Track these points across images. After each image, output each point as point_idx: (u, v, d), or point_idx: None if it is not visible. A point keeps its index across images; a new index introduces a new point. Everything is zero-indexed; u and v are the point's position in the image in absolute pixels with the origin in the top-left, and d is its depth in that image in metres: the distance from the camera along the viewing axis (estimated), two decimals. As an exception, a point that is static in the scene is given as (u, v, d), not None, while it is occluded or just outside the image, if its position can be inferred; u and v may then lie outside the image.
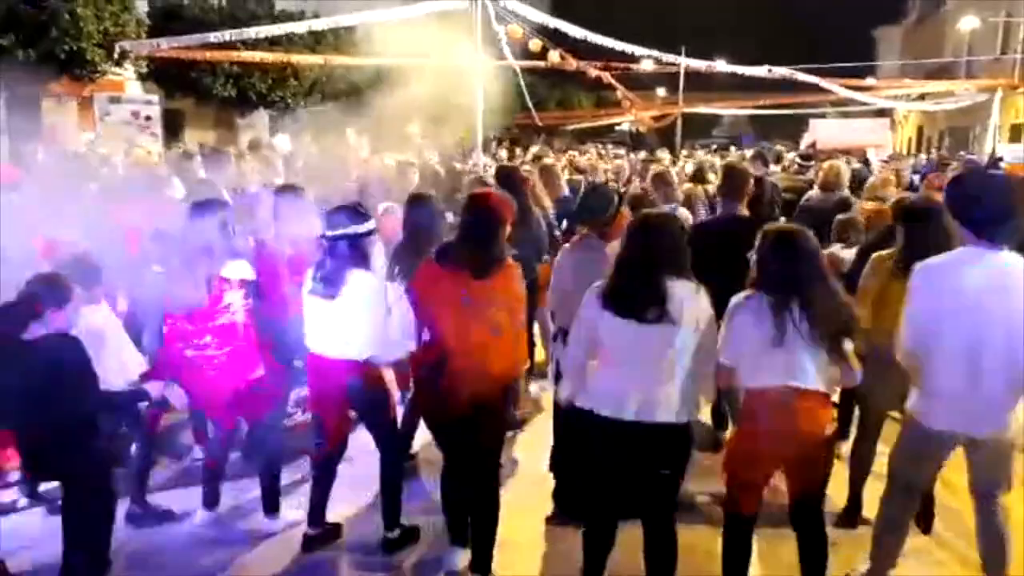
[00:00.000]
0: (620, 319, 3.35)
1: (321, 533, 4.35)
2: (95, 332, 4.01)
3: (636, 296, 3.34)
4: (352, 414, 4.39)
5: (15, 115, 15.15)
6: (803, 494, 3.59)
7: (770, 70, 19.05)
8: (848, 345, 3.37)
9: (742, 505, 3.62)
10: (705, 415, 5.29)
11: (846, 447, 4.82)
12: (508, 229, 3.88)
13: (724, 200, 5.44)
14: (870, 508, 4.26)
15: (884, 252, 4.28)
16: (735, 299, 3.47)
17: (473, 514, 4.01)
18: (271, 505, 4.54)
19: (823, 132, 25.07)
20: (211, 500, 4.59)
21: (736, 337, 3.42)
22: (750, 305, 3.39)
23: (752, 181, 5.55)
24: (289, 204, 5.05)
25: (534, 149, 18.54)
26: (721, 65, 22.54)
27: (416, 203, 4.96)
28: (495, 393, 3.83)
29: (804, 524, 3.62)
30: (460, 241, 3.83)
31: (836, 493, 4.38)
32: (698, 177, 8.65)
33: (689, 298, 3.33)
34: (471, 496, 3.98)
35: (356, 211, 4.10)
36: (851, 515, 4.53)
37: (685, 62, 22.29)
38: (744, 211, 5.23)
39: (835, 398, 3.68)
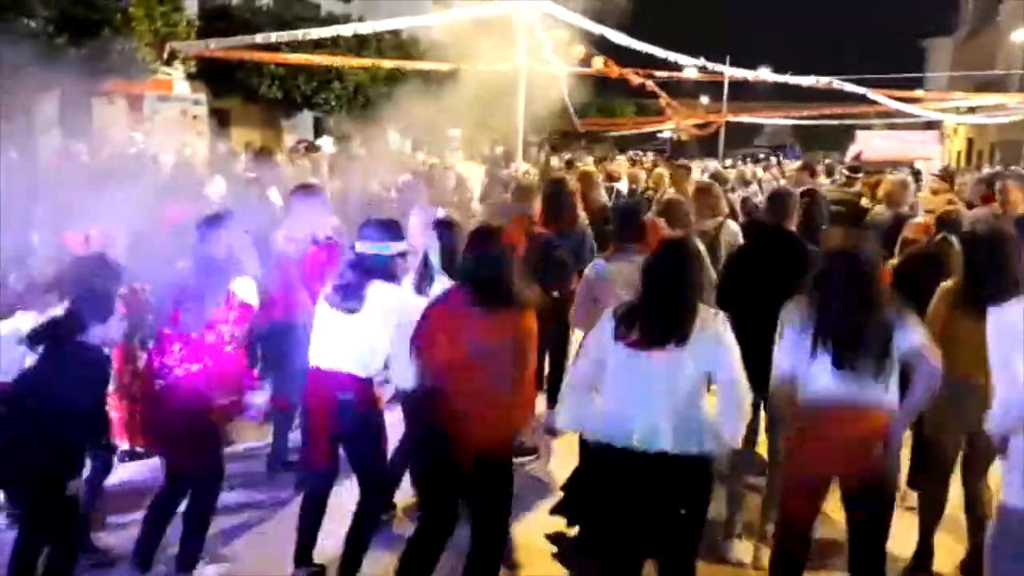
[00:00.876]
0: (633, 343, 3.23)
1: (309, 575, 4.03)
2: None
3: (651, 320, 3.23)
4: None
5: (67, 113, 15.51)
6: (860, 525, 3.44)
7: (818, 80, 18.74)
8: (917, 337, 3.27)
9: (795, 509, 3.48)
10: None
11: (913, 498, 4.52)
12: (516, 260, 3.67)
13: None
14: (941, 559, 4.11)
15: (949, 284, 4.05)
16: (788, 308, 3.40)
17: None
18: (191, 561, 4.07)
19: (869, 144, 24.65)
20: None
21: (792, 347, 3.35)
22: (802, 314, 3.35)
23: (797, 196, 5.37)
24: (302, 202, 5.04)
25: (567, 156, 18.50)
26: (765, 74, 22.27)
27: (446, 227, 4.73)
28: (497, 446, 3.51)
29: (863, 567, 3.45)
30: (466, 279, 3.60)
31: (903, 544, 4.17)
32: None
33: (706, 323, 3.22)
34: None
35: (391, 228, 3.97)
36: (922, 565, 4.21)
37: (729, 71, 22.05)
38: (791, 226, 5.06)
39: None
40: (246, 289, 4.07)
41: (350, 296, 3.80)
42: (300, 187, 5.49)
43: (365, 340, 3.82)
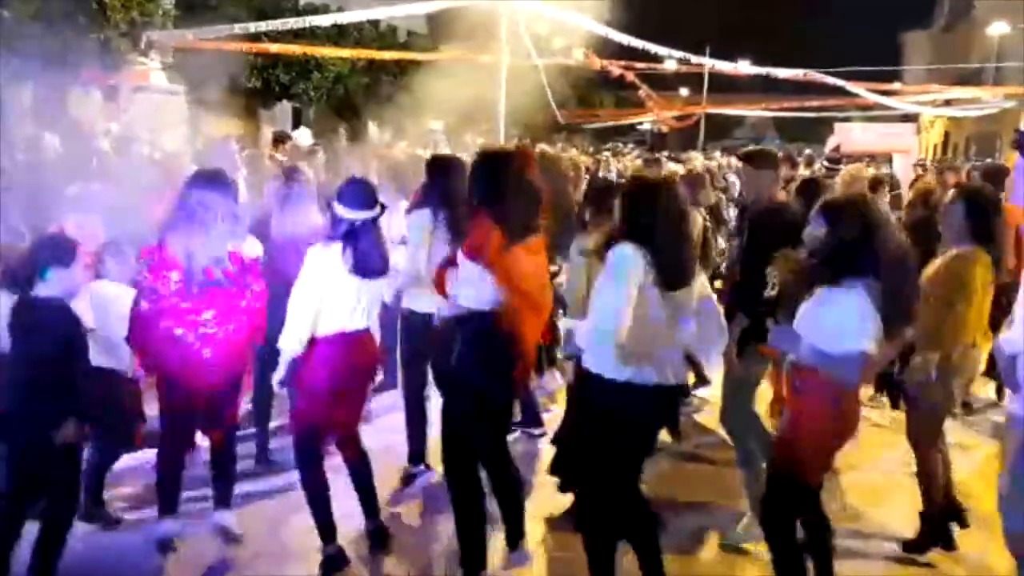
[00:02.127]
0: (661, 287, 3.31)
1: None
2: (101, 305, 4.03)
3: (677, 266, 3.34)
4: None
5: (41, 104, 15.30)
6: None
7: (798, 73, 18.85)
8: None
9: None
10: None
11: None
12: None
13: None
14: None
15: (968, 251, 4.02)
16: None
17: (506, 490, 3.91)
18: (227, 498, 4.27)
19: (848, 136, 24.81)
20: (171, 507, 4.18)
21: None
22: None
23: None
24: (286, 194, 5.01)
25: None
26: (745, 66, 22.39)
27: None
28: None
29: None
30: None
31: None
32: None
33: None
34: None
35: (373, 193, 3.99)
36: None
37: (710, 63, 22.15)
38: None
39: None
40: (254, 247, 4.15)
41: (379, 259, 3.85)
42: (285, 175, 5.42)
43: (378, 299, 4.02)
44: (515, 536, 3.97)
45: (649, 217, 3.30)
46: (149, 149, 9.92)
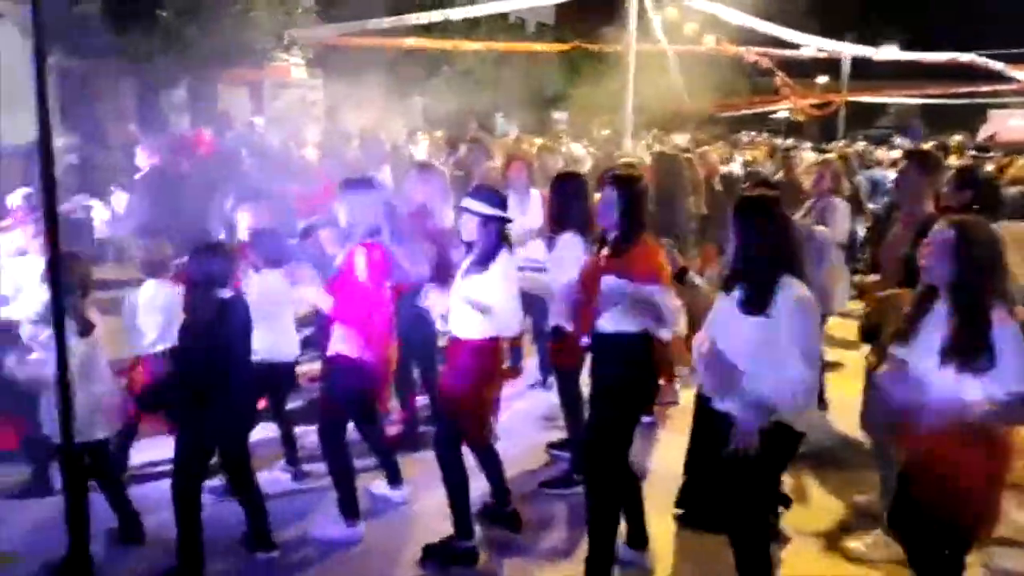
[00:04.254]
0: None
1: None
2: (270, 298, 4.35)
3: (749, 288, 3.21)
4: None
5: (195, 99, 16.36)
6: None
7: (955, 58, 17.60)
8: None
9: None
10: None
11: None
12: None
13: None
14: None
15: None
16: None
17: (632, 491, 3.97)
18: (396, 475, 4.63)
19: (1005, 124, 23.12)
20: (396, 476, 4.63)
21: None
22: None
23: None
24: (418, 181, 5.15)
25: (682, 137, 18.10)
26: (890, 52, 21.20)
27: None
28: None
29: None
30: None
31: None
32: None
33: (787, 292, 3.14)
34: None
35: (500, 195, 4.07)
36: None
37: (851, 49, 21.09)
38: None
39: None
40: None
41: (485, 261, 3.91)
42: (419, 165, 5.62)
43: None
44: (639, 537, 4.01)
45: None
46: (292, 142, 10.44)
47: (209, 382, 3.65)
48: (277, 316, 4.48)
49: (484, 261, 3.86)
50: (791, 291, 3.12)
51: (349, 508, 4.22)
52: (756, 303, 3.15)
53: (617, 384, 3.74)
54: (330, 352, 4.18)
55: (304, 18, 15.84)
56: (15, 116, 9.90)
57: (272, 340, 4.41)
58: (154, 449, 4.85)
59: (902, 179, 4.60)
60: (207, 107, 16.08)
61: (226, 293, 3.74)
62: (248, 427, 4.06)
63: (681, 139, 14.54)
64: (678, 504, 4.53)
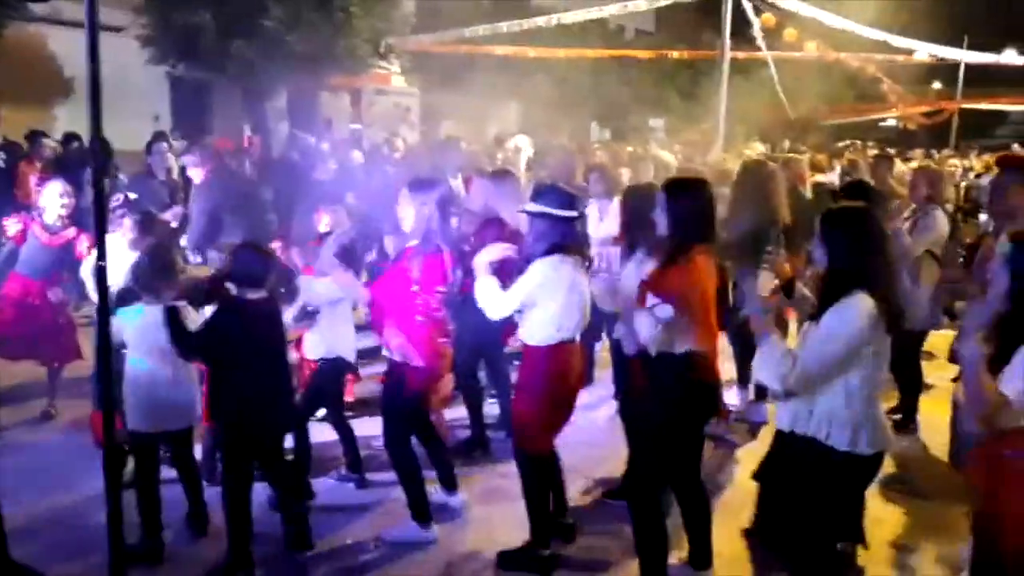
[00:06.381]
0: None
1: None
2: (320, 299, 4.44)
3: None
4: None
5: (296, 105, 16.91)
6: None
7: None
8: None
9: None
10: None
11: None
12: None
13: None
14: None
15: None
16: None
17: (693, 509, 3.86)
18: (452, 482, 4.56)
19: None
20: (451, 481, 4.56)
21: None
22: None
23: None
24: (492, 186, 5.18)
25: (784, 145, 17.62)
26: (1012, 56, 20.10)
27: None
28: None
29: None
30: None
31: None
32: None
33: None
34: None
35: (564, 193, 3.92)
36: None
37: (967, 56, 20.10)
38: None
39: None
40: None
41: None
42: (497, 172, 5.65)
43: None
44: (702, 557, 3.89)
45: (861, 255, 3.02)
46: (388, 148, 10.68)
47: (238, 379, 3.78)
48: (329, 316, 4.54)
49: (528, 261, 3.82)
50: (846, 302, 2.96)
51: (420, 511, 4.23)
52: (817, 317, 3.04)
53: (660, 411, 3.62)
54: (390, 355, 4.23)
55: (402, 26, 16.16)
56: (127, 123, 10.52)
57: (330, 340, 4.54)
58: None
59: (996, 189, 4.31)
60: (309, 114, 16.59)
61: (259, 294, 3.83)
62: (284, 423, 4.13)
63: (762, 147, 14.07)
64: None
